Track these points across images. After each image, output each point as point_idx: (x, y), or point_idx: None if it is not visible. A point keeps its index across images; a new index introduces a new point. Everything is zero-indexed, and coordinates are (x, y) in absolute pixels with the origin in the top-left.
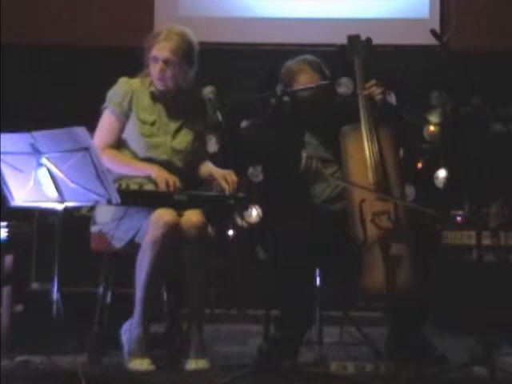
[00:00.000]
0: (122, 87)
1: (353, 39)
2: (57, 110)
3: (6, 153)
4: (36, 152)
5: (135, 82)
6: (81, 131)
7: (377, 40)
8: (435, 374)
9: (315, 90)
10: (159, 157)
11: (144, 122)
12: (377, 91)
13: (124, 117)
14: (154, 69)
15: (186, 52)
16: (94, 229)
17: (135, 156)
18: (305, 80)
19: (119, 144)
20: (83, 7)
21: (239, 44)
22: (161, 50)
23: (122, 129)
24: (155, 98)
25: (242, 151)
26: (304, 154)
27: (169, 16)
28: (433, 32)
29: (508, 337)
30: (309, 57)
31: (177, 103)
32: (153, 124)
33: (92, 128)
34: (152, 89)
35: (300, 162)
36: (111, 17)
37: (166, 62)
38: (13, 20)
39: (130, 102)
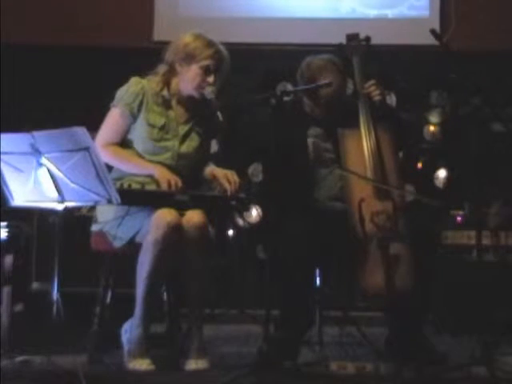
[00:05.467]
0: (134, 88)
1: (351, 38)
2: (57, 110)
3: (6, 153)
4: (36, 152)
5: (146, 83)
6: (81, 131)
7: (376, 40)
8: (435, 374)
9: (335, 88)
10: (165, 161)
11: (153, 126)
12: (376, 92)
13: (132, 118)
14: (200, 77)
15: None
16: (94, 228)
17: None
18: (331, 79)
19: (123, 144)
20: (83, 7)
21: (239, 44)
22: (219, 62)
23: (127, 130)
24: (167, 102)
25: (244, 149)
26: (310, 140)
27: (169, 16)
28: (433, 32)
29: (508, 337)
30: (333, 57)
31: (187, 107)
32: (162, 128)
33: (93, 128)
34: (164, 93)
35: (307, 149)
36: (111, 17)
37: (216, 73)
38: (13, 20)
39: (140, 104)
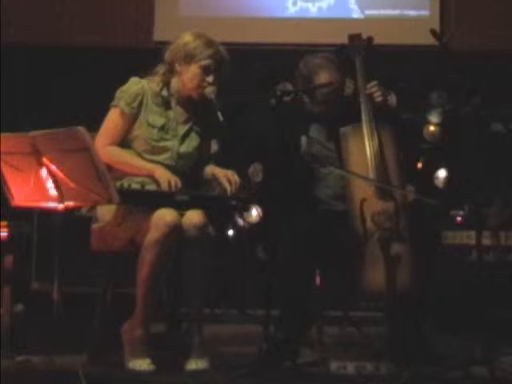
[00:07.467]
0: (134, 88)
1: (354, 38)
2: (57, 109)
3: (6, 153)
4: (36, 152)
5: (146, 83)
6: (81, 131)
7: (376, 39)
8: (435, 374)
9: (333, 87)
10: (164, 161)
11: (152, 126)
12: (378, 93)
13: (132, 118)
14: (200, 77)
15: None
16: (94, 227)
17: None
18: (327, 77)
19: (123, 144)
20: (83, 7)
21: (239, 44)
22: (218, 61)
23: (127, 130)
24: (166, 102)
25: (244, 149)
26: (304, 138)
27: (169, 16)
28: (432, 32)
29: (508, 337)
30: (330, 55)
31: (187, 107)
32: (161, 128)
33: (93, 128)
34: (164, 93)
35: (300, 146)
36: (111, 17)
37: (215, 72)
38: (13, 20)
39: (139, 104)
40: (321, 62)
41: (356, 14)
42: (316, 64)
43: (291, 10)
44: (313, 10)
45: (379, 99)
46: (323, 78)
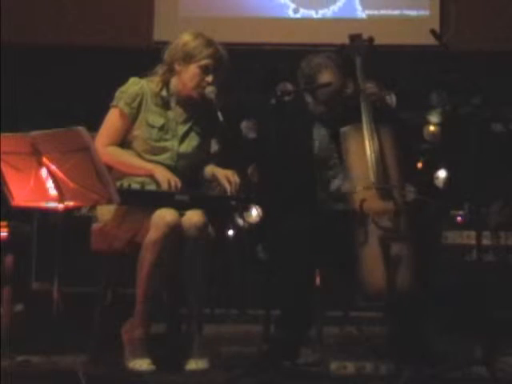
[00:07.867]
0: (133, 88)
1: (354, 38)
2: (57, 110)
3: (6, 153)
4: (36, 152)
5: (145, 83)
6: (81, 131)
7: (376, 39)
8: (435, 374)
9: (335, 86)
10: (164, 161)
11: (152, 126)
12: (378, 91)
13: (132, 118)
14: (199, 77)
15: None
16: (94, 227)
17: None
18: (330, 76)
19: (123, 144)
20: (83, 7)
21: (239, 44)
22: (217, 61)
23: (127, 130)
24: (166, 102)
25: (244, 149)
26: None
27: (169, 16)
28: (433, 32)
29: (508, 337)
30: (333, 55)
31: (186, 107)
32: (161, 128)
33: (93, 128)
34: (163, 93)
35: (310, 149)
36: (111, 17)
37: (215, 72)
38: (13, 20)
39: (139, 105)
40: (323, 62)
41: (356, 13)
42: (319, 63)
43: (292, 11)
44: (314, 11)
45: (380, 97)
46: (326, 77)
